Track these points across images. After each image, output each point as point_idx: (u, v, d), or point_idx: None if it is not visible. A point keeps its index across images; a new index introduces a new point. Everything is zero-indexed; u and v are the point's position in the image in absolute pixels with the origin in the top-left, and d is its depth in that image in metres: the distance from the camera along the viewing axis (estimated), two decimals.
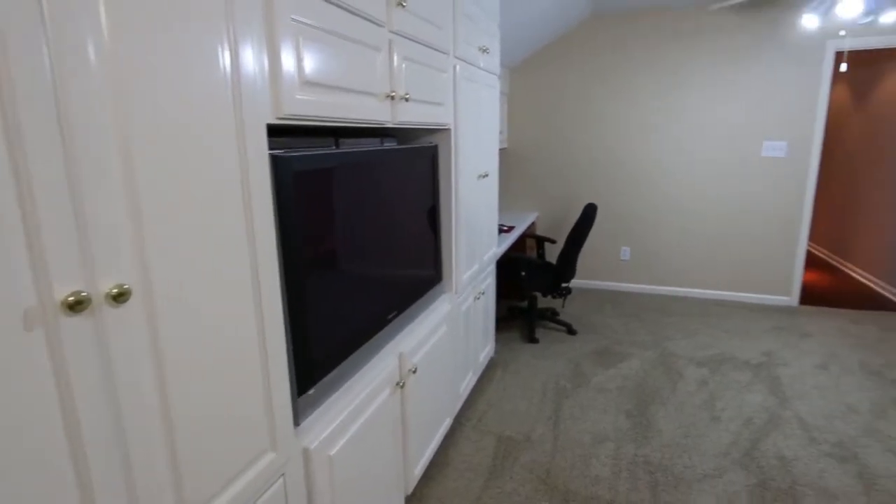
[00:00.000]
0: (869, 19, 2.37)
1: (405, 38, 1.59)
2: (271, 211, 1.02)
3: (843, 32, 3.22)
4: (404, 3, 1.53)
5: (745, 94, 3.77)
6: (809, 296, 4.14)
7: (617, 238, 4.36)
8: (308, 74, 1.12)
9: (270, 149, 1.09)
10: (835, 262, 5.17)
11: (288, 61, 1.05)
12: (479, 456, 2.15)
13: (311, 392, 1.24)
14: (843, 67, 2.91)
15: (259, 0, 0.96)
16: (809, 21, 2.70)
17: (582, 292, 4.37)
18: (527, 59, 4.29)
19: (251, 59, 0.93)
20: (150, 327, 0.76)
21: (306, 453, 1.18)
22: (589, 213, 3.24)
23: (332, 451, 1.27)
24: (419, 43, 1.71)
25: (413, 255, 1.86)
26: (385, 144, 1.76)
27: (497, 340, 3.37)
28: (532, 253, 4.36)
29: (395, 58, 1.53)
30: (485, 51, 2.43)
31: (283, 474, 1.10)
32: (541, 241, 3.89)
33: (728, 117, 3.85)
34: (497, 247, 3.02)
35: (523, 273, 3.29)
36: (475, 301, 2.56)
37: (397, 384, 1.63)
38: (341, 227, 1.37)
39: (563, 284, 3.38)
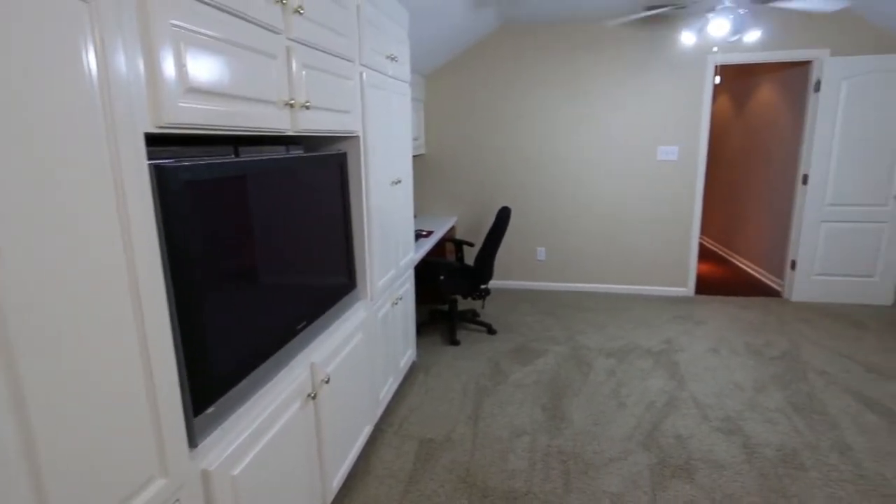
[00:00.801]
0: (736, 37, 2.67)
1: (305, 45, 1.58)
2: (153, 223, 0.97)
3: (715, 49, 3.60)
4: (302, 11, 1.51)
5: (641, 102, 4.10)
6: (704, 286, 4.56)
7: (533, 239, 4.56)
8: (194, 81, 1.08)
9: (157, 158, 1.05)
10: (725, 255, 5.73)
11: (168, 68, 1.00)
12: (400, 461, 2.15)
13: (210, 410, 1.19)
14: (717, 80, 3.25)
15: (131, 2, 0.91)
16: (687, 38, 3.00)
17: (501, 292, 4.52)
18: (441, 67, 4.38)
19: (123, 65, 0.88)
20: (6, 359, 0.70)
21: (205, 475, 1.13)
22: (503, 216, 3.36)
23: (236, 471, 1.22)
24: (321, 50, 1.69)
25: (323, 264, 1.84)
26: (291, 152, 1.73)
27: (419, 345, 3.39)
28: (452, 257, 4.44)
29: (295, 65, 1.51)
30: (393, 59, 2.45)
31: (177, 500, 1.04)
32: (459, 245, 3.97)
33: (627, 124, 4.16)
34: (415, 252, 3.05)
35: (442, 277, 3.35)
36: (393, 307, 2.56)
37: (309, 395, 1.60)
38: (242, 238, 1.32)
39: (482, 286, 3.48)
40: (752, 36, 2.74)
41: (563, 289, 4.56)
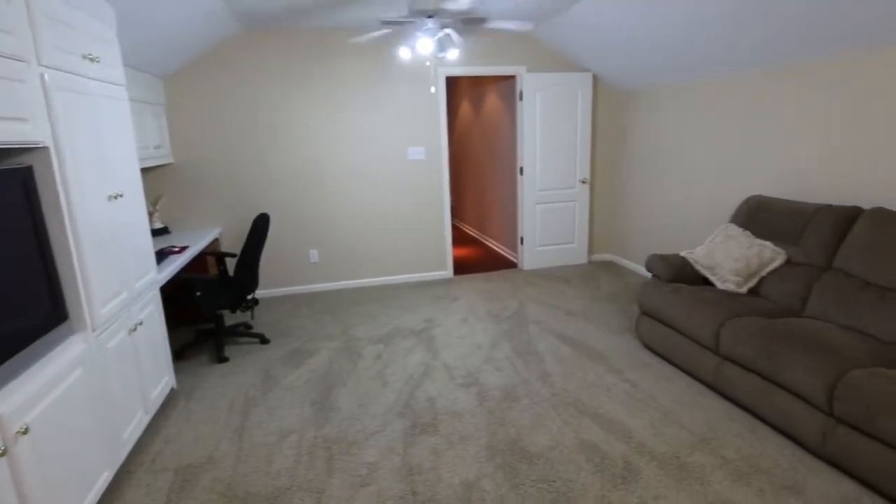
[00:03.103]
0: (442, 55, 3.15)
1: None
2: None
3: (428, 63, 4.18)
4: None
5: (388, 107, 4.46)
6: (462, 266, 5.24)
7: (304, 243, 4.59)
8: None
9: None
10: (480, 238, 6.65)
11: None
12: (150, 499, 1.99)
13: None
14: (433, 90, 3.77)
15: None
16: (404, 53, 3.41)
17: (279, 299, 4.44)
18: (181, 70, 4.04)
19: None
20: None
21: None
22: (259, 223, 3.31)
23: None
24: None
25: (6, 297, 1.58)
26: None
27: (181, 369, 3.13)
28: (215, 271, 4.18)
29: None
30: (93, 59, 2.20)
31: None
32: (221, 258, 3.77)
33: (379, 128, 4.49)
34: (158, 271, 2.80)
35: (199, 293, 3.15)
36: (131, 334, 2.33)
37: None
38: None
39: (248, 297, 3.38)
40: (453, 54, 3.26)
41: (338, 287, 4.71)
